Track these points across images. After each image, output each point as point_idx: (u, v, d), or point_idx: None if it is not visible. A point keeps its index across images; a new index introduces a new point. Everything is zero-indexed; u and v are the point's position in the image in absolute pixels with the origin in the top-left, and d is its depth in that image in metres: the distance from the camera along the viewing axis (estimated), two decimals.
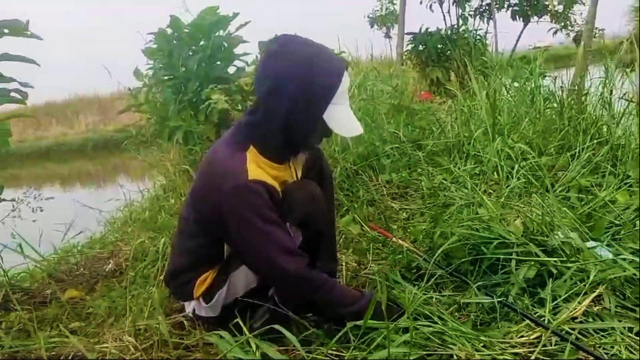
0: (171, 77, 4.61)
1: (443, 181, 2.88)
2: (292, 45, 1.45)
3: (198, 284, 1.63)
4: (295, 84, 1.38)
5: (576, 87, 3.48)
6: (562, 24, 10.30)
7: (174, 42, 4.62)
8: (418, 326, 1.37)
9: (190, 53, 4.52)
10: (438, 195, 2.80)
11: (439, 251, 1.78)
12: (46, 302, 2.14)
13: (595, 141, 2.61)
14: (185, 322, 1.71)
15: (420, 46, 9.85)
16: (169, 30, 4.64)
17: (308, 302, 1.51)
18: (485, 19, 11.15)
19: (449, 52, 10.01)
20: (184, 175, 4.33)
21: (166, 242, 2.27)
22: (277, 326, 1.36)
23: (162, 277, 2.07)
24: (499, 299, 1.48)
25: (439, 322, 1.39)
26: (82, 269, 2.63)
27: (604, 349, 1.23)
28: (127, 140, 4.89)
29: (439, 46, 9.98)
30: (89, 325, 1.88)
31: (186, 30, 4.62)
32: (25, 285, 2.45)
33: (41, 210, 2.95)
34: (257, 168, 1.47)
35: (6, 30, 1.90)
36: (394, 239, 2.26)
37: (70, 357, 1.54)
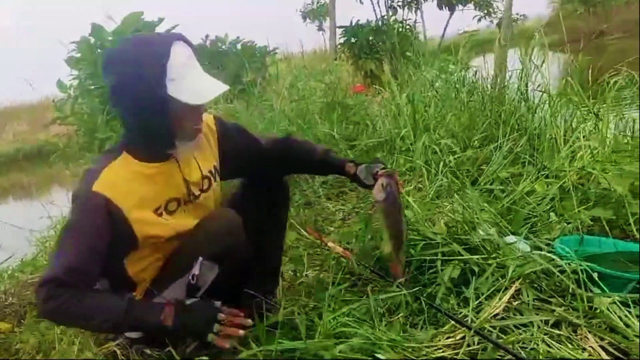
0: (98, 86, 4.48)
1: None
2: (119, 48, 1.51)
3: None
4: (128, 77, 1.38)
5: (495, 77, 3.60)
6: (485, 11, 10.65)
7: (98, 50, 4.49)
8: (346, 333, 1.40)
9: None
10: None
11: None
12: None
13: (515, 132, 2.71)
14: (117, 351, 1.67)
15: (353, 39, 9.95)
16: (92, 39, 4.51)
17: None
18: (413, 9, 11.41)
19: (380, 43, 10.19)
20: None
21: None
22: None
23: None
24: (426, 301, 1.53)
25: (368, 329, 1.42)
26: (10, 298, 2.52)
27: (523, 344, 1.30)
28: (55, 153, 4.73)
29: (370, 38, 10.13)
30: None
31: (110, 39, 4.50)
32: None
33: None
34: (113, 175, 1.43)
35: None
36: (329, 243, 2.29)
37: None
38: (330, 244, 2.29)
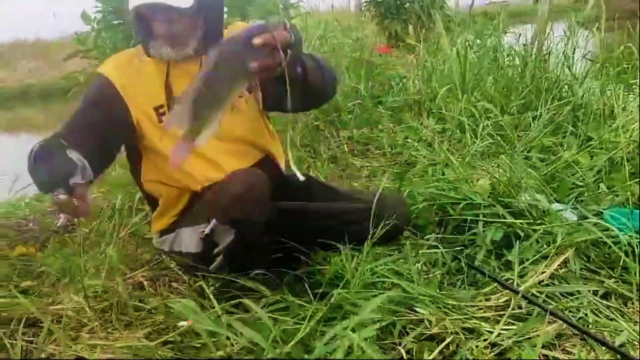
0: (122, 21, 4.36)
1: (406, 139, 2.86)
2: None
3: (153, 218, 1.66)
4: None
5: (537, 45, 3.49)
6: None
7: None
8: (383, 285, 1.36)
9: None
10: (401, 153, 2.79)
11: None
12: None
13: (557, 101, 2.62)
14: (145, 283, 1.65)
15: None
16: None
17: None
18: None
19: (407, 4, 9.92)
20: None
21: (123, 199, 2.17)
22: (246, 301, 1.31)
23: (119, 235, 1.99)
24: (466, 262, 1.48)
25: (405, 284, 1.38)
26: (31, 224, 2.50)
27: (570, 312, 1.25)
28: (74, 87, 4.64)
29: None
30: (41, 285, 1.79)
31: None
32: None
33: None
34: (119, 60, 1.51)
35: None
36: None
37: (23, 320, 1.46)
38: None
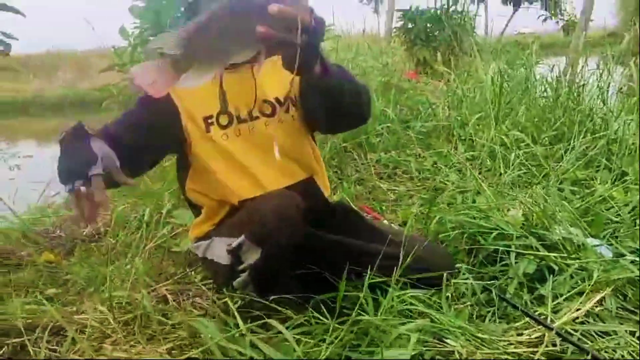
0: None
1: (435, 164, 2.84)
2: None
3: (193, 225, 1.66)
4: None
5: (569, 77, 3.46)
6: (553, 11, 10.28)
7: (163, 2, 4.45)
8: (411, 313, 1.33)
9: (179, 15, 4.36)
10: (428, 178, 2.76)
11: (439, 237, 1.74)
12: (21, 265, 2.04)
13: (590, 134, 2.58)
14: (169, 296, 1.64)
15: (410, 24, 9.72)
16: None
17: None
18: (476, 1, 11.10)
19: (437, 32, 9.94)
20: None
21: (151, 211, 2.18)
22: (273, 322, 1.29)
23: (145, 247, 2.00)
24: (497, 294, 1.44)
25: (434, 313, 1.35)
26: (58, 231, 2.52)
27: (606, 352, 1.21)
28: (107, 99, 4.73)
29: (428, 25, 9.89)
30: (66, 293, 1.80)
31: None
32: None
33: (18, 169, 2.83)
34: None
35: None
36: (384, 221, 2.22)
37: (48, 328, 1.46)
38: (385, 222, 2.22)
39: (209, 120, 1.48)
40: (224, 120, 1.49)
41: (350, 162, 3.13)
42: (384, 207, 2.56)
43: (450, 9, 10.87)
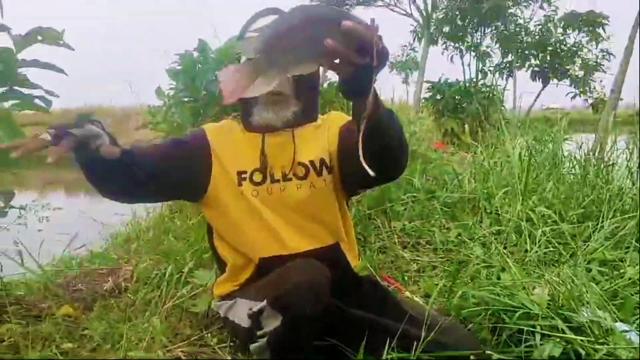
0: (192, 99, 4.60)
1: (459, 237, 2.81)
2: None
3: (217, 282, 1.69)
4: None
5: (597, 154, 3.44)
6: (581, 89, 10.36)
7: (199, 65, 4.63)
8: None
9: (214, 78, 4.52)
10: (452, 250, 2.73)
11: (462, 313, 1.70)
12: (41, 317, 2.05)
13: (619, 214, 2.53)
14: (183, 358, 1.62)
15: (438, 95, 9.91)
16: (195, 54, 4.66)
17: None
18: (505, 76, 11.29)
19: (465, 104, 10.09)
20: None
21: (172, 270, 2.19)
22: None
23: (164, 306, 1.99)
24: None
25: None
26: (80, 285, 2.54)
27: None
28: None
29: (456, 97, 10.07)
30: (82, 348, 1.79)
31: (212, 56, 4.65)
32: (19, 294, 2.37)
33: (47, 220, 2.89)
34: (219, 124, 1.64)
35: (40, 37, 1.88)
36: (406, 292, 2.19)
37: None
38: (407, 293, 2.19)
39: (242, 175, 1.52)
40: (257, 177, 1.52)
41: (373, 230, 3.12)
42: (406, 278, 2.53)
43: (479, 83, 11.09)
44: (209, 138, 1.57)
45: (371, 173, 1.06)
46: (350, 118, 1.52)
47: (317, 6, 1.03)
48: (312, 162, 1.56)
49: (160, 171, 1.46)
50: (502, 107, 10.49)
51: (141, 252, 3.12)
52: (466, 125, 10.51)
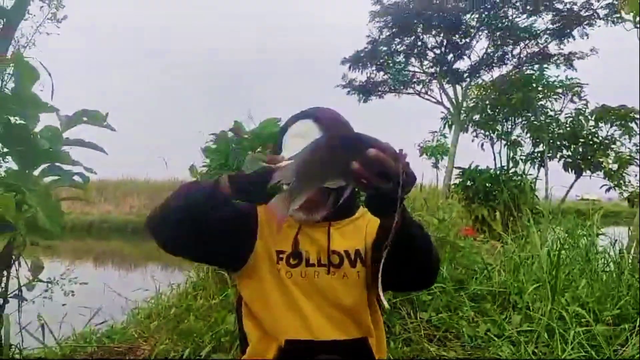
0: None
1: (488, 333, 2.71)
2: None
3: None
4: None
5: (633, 253, 3.34)
6: (616, 182, 10.21)
7: (233, 145, 4.77)
8: None
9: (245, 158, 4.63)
10: (480, 346, 2.62)
11: None
12: None
13: None
14: None
15: (469, 182, 9.88)
16: (230, 134, 4.81)
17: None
18: (536, 165, 11.23)
19: (496, 191, 10.01)
20: (216, 276, 4.25)
21: (190, 353, 2.15)
22: None
23: None
24: None
25: None
26: None
27: None
28: None
29: (487, 184, 10.02)
30: None
31: (246, 137, 4.79)
32: None
33: (73, 295, 2.91)
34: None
35: (85, 119, 1.97)
36: None
37: None
38: None
39: (280, 255, 1.52)
40: (294, 260, 1.52)
41: (398, 320, 3.03)
42: None
43: (510, 171, 11.05)
44: (259, 214, 1.59)
45: (386, 305, 1.14)
46: None
47: (348, 132, 1.14)
48: (347, 252, 1.56)
49: (215, 229, 1.47)
50: (535, 196, 10.39)
51: (161, 331, 3.09)
52: (497, 213, 10.40)
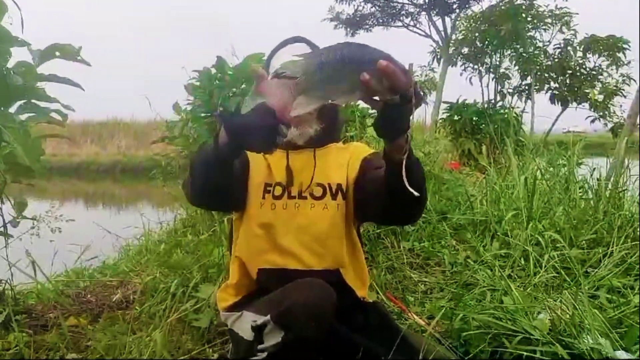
0: (208, 114, 4.67)
1: (468, 259, 2.80)
2: None
3: (223, 292, 1.69)
4: None
5: (612, 181, 3.40)
6: (601, 113, 10.26)
7: (217, 82, 4.70)
8: None
9: (230, 95, 4.58)
10: (460, 272, 2.71)
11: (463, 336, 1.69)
12: (47, 327, 2.08)
13: (630, 241, 2.50)
14: None
15: (456, 116, 9.88)
16: (213, 70, 4.74)
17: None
18: (524, 99, 11.24)
19: (483, 125, 10.05)
20: (205, 214, 4.30)
21: (178, 284, 2.22)
22: None
23: (168, 319, 2.01)
24: None
25: None
26: (89, 295, 2.58)
27: None
28: (155, 169, 4.95)
29: (474, 118, 10.04)
30: (86, 359, 1.82)
31: (230, 73, 4.71)
32: (30, 303, 2.41)
33: (60, 231, 2.95)
34: None
35: (57, 53, 1.94)
36: (410, 314, 2.18)
37: None
38: (412, 314, 2.18)
39: (267, 188, 1.56)
40: (277, 191, 1.56)
41: (382, 250, 3.12)
42: (412, 299, 2.52)
43: (497, 104, 11.05)
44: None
45: (415, 194, 1.18)
46: (372, 150, 1.63)
47: (361, 44, 1.10)
48: (329, 184, 1.59)
49: (225, 184, 1.49)
50: (520, 129, 10.44)
51: (151, 265, 3.16)
52: (483, 147, 10.46)
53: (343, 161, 1.65)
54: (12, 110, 1.99)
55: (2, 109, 1.89)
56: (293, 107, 1.10)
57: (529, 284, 2.16)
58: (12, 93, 1.92)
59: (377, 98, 1.10)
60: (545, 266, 2.26)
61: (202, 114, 4.82)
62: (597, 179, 3.35)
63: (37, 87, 1.99)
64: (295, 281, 1.41)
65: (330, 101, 1.13)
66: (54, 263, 3.07)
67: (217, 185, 1.40)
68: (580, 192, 3.41)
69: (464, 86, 11.89)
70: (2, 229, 2.05)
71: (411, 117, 1.16)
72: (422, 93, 1.13)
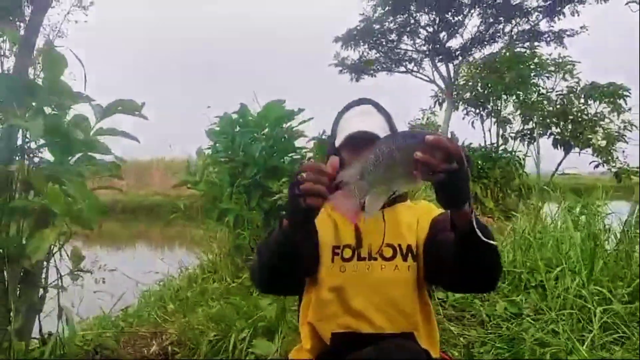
0: (230, 160, 4.71)
1: (506, 311, 2.78)
2: None
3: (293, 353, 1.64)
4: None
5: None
6: (604, 158, 10.38)
7: (238, 127, 4.76)
8: None
9: (251, 141, 4.63)
10: (501, 326, 2.69)
11: None
12: None
13: None
14: None
15: None
16: (235, 116, 4.80)
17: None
18: (526, 143, 11.35)
19: (488, 169, 10.14)
20: (227, 259, 4.28)
21: (236, 340, 2.18)
22: None
23: None
24: None
25: None
26: (127, 347, 2.53)
27: None
28: (174, 214, 4.94)
29: (479, 162, 10.14)
30: None
31: (251, 119, 4.78)
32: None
33: (104, 282, 2.91)
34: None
35: (120, 108, 1.96)
36: None
37: None
38: None
39: (336, 251, 1.54)
40: (347, 253, 1.53)
41: None
42: (457, 353, 2.49)
43: (500, 148, 11.17)
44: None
45: (494, 243, 1.19)
46: (441, 210, 1.57)
47: (402, 131, 1.18)
48: (400, 245, 1.57)
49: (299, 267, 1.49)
50: (524, 172, 10.55)
51: (180, 314, 3.11)
52: (489, 191, 10.52)
53: (412, 221, 1.63)
54: (71, 163, 2.01)
55: (64, 162, 1.90)
56: (365, 211, 1.16)
57: (585, 341, 2.14)
58: (73, 147, 1.94)
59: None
60: (600, 322, 2.24)
61: (223, 159, 4.86)
62: (626, 229, 3.36)
63: (96, 140, 2.00)
64: (388, 340, 1.39)
65: (394, 191, 1.16)
66: (78, 311, 3.02)
67: (285, 270, 1.40)
68: (606, 241, 3.41)
69: (465, 129, 12.03)
70: (57, 282, 2.03)
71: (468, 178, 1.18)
72: (469, 156, 1.15)
